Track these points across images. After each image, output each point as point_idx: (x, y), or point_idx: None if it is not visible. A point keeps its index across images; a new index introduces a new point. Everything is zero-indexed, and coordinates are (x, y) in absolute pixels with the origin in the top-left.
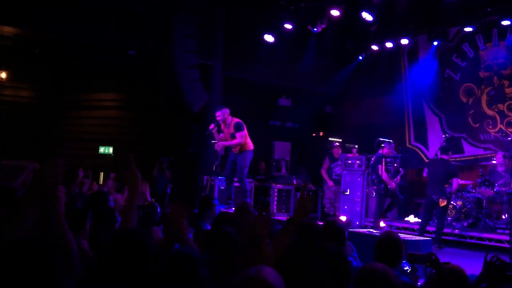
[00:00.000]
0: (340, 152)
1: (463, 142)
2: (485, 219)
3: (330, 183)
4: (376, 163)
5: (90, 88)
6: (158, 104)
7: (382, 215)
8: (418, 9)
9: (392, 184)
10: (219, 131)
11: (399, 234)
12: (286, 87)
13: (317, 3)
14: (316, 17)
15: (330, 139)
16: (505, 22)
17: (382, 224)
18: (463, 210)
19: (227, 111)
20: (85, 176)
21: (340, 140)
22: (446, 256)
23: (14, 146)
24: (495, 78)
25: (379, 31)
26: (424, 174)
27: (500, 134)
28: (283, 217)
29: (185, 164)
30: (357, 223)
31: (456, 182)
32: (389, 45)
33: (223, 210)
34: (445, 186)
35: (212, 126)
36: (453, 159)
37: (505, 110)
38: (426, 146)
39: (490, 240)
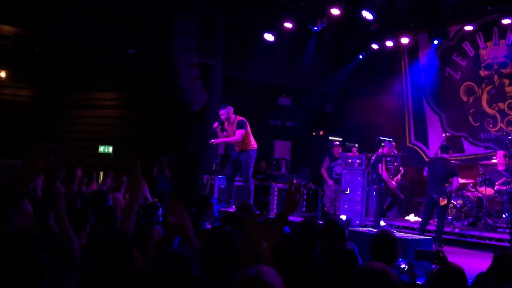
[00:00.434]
0: (340, 151)
1: (463, 141)
2: (485, 218)
3: (330, 182)
4: (377, 162)
5: (89, 88)
6: (158, 103)
7: (382, 214)
8: (418, 7)
9: (392, 183)
10: (223, 129)
11: (400, 233)
12: (286, 86)
13: (317, 2)
14: (316, 16)
15: (330, 138)
16: (506, 21)
17: (382, 223)
18: (464, 209)
19: (231, 109)
20: (88, 176)
21: (340, 139)
22: (446, 255)
23: (13, 145)
24: (495, 77)
25: (379, 30)
26: (425, 173)
27: (501, 133)
28: None
29: (185, 163)
30: (357, 222)
31: (457, 181)
32: (389, 44)
33: (223, 209)
34: (446, 185)
35: (216, 124)
36: (453, 158)
37: (506, 109)
38: (427, 145)
39: (491, 239)
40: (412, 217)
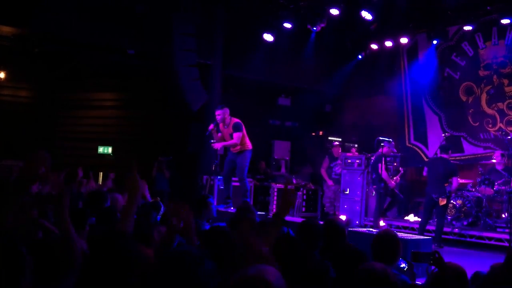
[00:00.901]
0: (339, 151)
1: (462, 141)
2: (485, 218)
3: (330, 182)
4: (376, 162)
5: (89, 88)
6: (158, 103)
7: (382, 214)
8: (418, 8)
9: (392, 183)
10: (218, 131)
11: (400, 233)
12: (286, 86)
13: (317, 2)
14: (316, 16)
15: (329, 138)
16: (505, 21)
17: (382, 223)
18: (463, 209)
19: (227, 111)
20: (86, 176)
21: (340, 139)
22: (446, 255)
23: (13, 146)
24: (494, 77)
25: (378, 30)
26: (424, 173)
27: (500, 133)
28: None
29: (184, 163)
30: (357, 222)
31: (456, 181)
32: (388, 44)
33: (222, 209)
34: (445, 185)
35: (211, 126)
36: (452, 158)
37: (505, 109)
38: (426, 145)
39: (490, 239)
40: (411, 217)
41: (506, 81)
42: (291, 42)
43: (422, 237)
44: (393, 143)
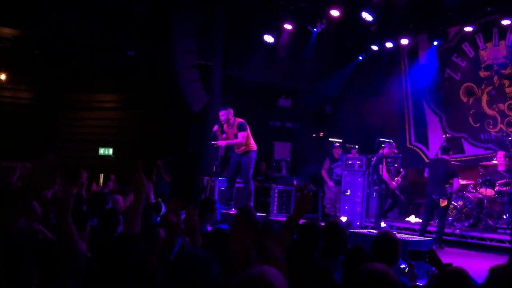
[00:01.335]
0: (340, 152)
1: (463, 142)
2: (486, 219)
3: (331, 183)
4: (377, 163)
5: (89, 89)
6: (158, 104)
7: (383, 215)
8: (418, 8)
9: (393, 184)
10: (222, 132)
11: (400, 234)
12: (286, 87)
13: (317, 3)
14: (316, 17)
15: (330, 139)
16: (505, 22)
17: (383, 224)
18: (464, 210)
19: (231, 111)
20: (91, 178)
21: (340, 141)
22: (447, 256)
23: (13, 147)
24: (495, 77)
25: (379, 31)
26: (425, 174)
27: (501, 133)
28: (283, 218)
29: (185, 164)
30: (358, 223)
31: (457, 182)
32: (389, 45)
33: (223, 211)
34: (446, 186)
35: (216, 127)
36: (453, 159)
37: (506, 110)
38: (427, 146)
39: (491, 240)
40: (412, 218)
41: (507, 82)
42: (292, 43)
43: (423, 238)
44: (393, 144)
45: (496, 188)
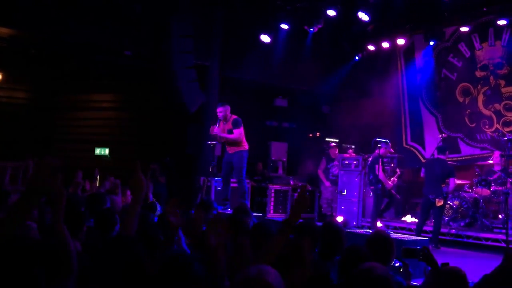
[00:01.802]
0: (336, 152)
1: (459, 142)
2: (481, 218)
3: (327, 183)
4: (374, 163)
5: (86, 89)
6: (155, 104)
7: (379, 215)
8: (415, 9)
9: (389, 184)
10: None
11: (397, 234)
12: (283, 88)
13: (314, 3)
14: (313, 17)
15: (326, 139)
16: (501, 22)
17: (379, 224)
18: (460, 210)
19: (228, 108)
20: (90, 178)
21: (337, 141)
22: (443, 256)
23: (10, 147)
24: (491, 77)
25: (375, 31)
26: (422, 174)
27: (497, 133)
28: (280, 218)
29: (182, 165)
30: (354, 223)
31: (453, 182)
32: (385, 45)
33: (219, 211)
34: (442, 186)
35: (215, 129)
36: (449, 159)
37: (502, 110)
38: (423, 146)
39: (487, 239)
40: (408, 218)
41: (502, 82)
42: (288, 43)
43: (419, 238)
44: (390, 144)
45: (492, 188)
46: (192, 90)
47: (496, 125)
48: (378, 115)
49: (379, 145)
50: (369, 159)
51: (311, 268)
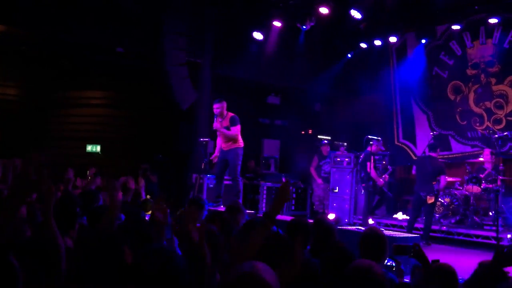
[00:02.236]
0: (328, 149)
1: (450, 139)
2: (472, 216)
3: (319, 180)
4: (365, 160)
5: (77, 86)
6: (147, 102)
7: (370, 212)
8: (407, 7)
9: (380, 182)
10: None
11: (388, 231)
12: (275, 85)
13: (306, 0)
14: (305, 15)
15: (319, 136)
16: (492, 20)
17: (370, 221)
18: (451, 207)
19: (225, 104)
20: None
21: (329, 138)
22: (434, 253)
23: (1, 145)
24: (482, 76)
25: (367, 29)
26: (413, 172)
27: (487, 131)
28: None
29: (174, 162)
30: (346, 220)
31: (444, 179)
32: (377, 43)
33: (212, 208)
34: (433, 183)
35: (217, 125)
36: (440, 156)
37: (492, 108)
38: (414, 143)
39: (477, 236)
40: (400, 215)
41: (493, 80)
42: (281, 41)
43: (410, 235)
44: (381, 141)
45: (483, 185)
46: (184, 88)
47: (486, 123)
48: (370, 112)
49: (370, 143)
50: (361, 156)
51: (300, 266)
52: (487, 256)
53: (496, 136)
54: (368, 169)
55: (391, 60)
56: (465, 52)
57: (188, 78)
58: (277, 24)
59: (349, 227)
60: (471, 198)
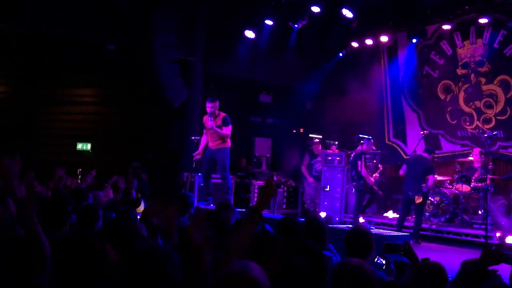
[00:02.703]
0: (320, 148)
1: (440, 138)
2: (461, 214)
3: (310, 179)
4: (356, 159)
5: (68, 83)
6: (138, 99)
7: (361, 211)
8: (398, 6)
9: (371, 180)
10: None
11: (378, 229)
12: (267, 83)
13: None
14: (297, 14)
15: (310, 135)
16: (482, 20)
17: (361, 219)
18: (441, 206)
19: (218, 104)
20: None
21: (320, 137)
22: (423, 251)
23: None
24: (472, 75)
25: (359, 28)
26: (401, 172)
27: (477, 130)
28: (264, 214)
29: (165, 160)
30: (337, 219)
31: (432, 178)
32: (369, 42)
33: (202, 206)
34: (423, 185)
35: (208, 119)
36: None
37: (482, 107)
38: (405, 142)
39: (467, 235)
40: (390, 214)
41: (483, 80)
42: (273, 39)
43: (400, 233)
44: (372, 140)
45: (472, 184)
46: (175, 85)
47: (476, 122)
48: (361, 111)
49: (361, 142)
50: (352, 155)
51: (280, 263)
52: (476, 254)
53: (486, 135)
54: (359, 168)
55: (382, 59)
56: (456, 52)
57: (179, 75)
58: (269, 22)
59: (340, 226)
60: (461, 197)
